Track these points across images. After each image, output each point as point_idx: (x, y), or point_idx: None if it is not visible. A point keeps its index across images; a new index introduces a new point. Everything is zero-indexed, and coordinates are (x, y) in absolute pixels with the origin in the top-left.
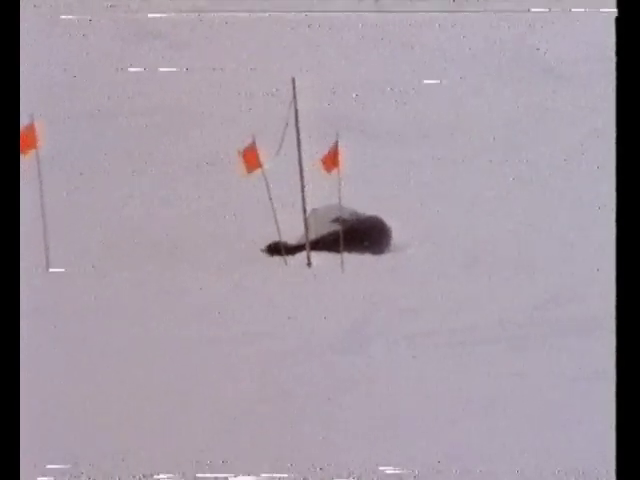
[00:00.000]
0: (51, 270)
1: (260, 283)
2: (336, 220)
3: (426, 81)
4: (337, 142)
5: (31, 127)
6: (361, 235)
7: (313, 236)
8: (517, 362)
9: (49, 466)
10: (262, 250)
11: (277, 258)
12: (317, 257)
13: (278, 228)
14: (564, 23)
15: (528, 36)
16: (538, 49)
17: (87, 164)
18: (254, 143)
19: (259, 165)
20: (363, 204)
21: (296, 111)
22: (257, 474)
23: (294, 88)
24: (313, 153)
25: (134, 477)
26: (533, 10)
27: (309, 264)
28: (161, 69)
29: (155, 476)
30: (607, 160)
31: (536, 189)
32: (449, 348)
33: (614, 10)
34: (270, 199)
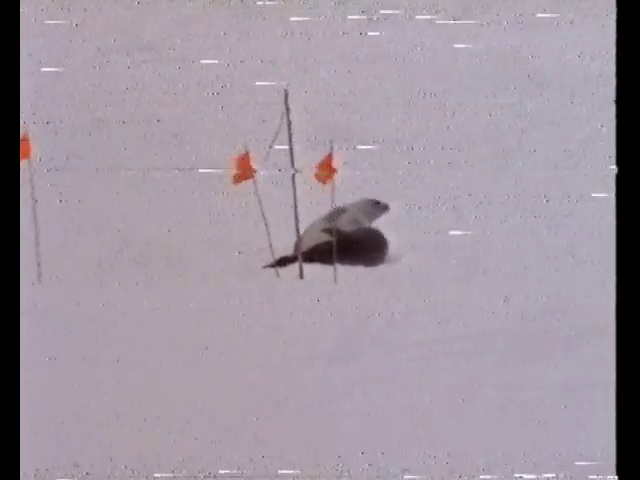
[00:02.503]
0: (43, 280)
1: (251, 295)
2: (329, 230)
3: (421, 89)
4: (331, 151)
5: (24, 137)
6: (356, 246)
7: (306, 247)
8: (514, 371)
9: (49, 467)
10: (268, 266)
11: (269, 270)
12: (310, 269)
13: (270, 239)
14: (561, 30)
15: (525, 43)
16: (535, 56)
17: (80, 174)
18: (247, 153)
19: (251, 175)
20: None
21: (289, 121)
22: None
23: (286, 98)
24: (307, 162)
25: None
26: (529, 17)
27: (301, 276)
28: (154, 79)
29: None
30: (605, 167)
31: (533, 196)
32: (444, 358)
33: (613, 17)
34: (262, 209)
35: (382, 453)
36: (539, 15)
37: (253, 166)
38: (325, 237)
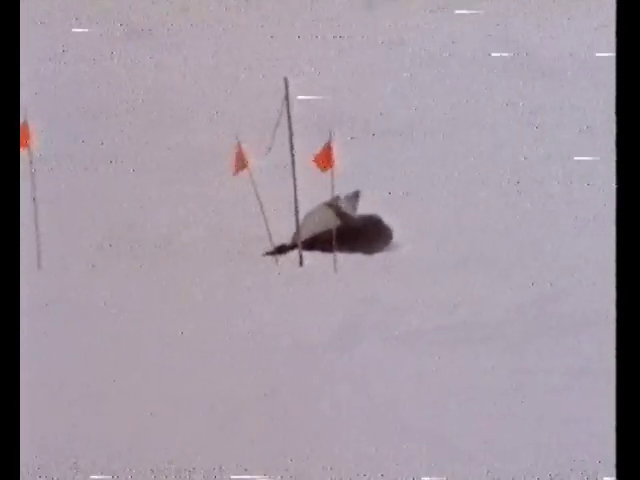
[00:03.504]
0: (42, 269)
1: (251, 283)
2: (332, 205)
3: (420, 80)
4: (331, 140)
5: (24, 126)
6: (357, 234)
7: (305, 234)
8: (513, 360)
9: (49, 466)
10: (267, 254)
11: (268, 257)
12: (310, 256)
13: (268, 227)
14: (560, 23)
15: (524, 36)
16: (533, 49)
17: (79, 163)
18: (244, 143)
19: (247, 165)
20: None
21: (288, 110)
22: (250, 473)
23: (286, 87)
24: (306, 152)
25: (132, 477)
26: (528, 10)
27: (301, 263)
28: (153, 69)
29: (154, 475)
30: (603, 159)
31: (531, 188)
32: (445, 346)
33: (612, 11)
34: (259, 198)
35: (382, 443)
36: (541, 4)
37: (248, 156)
38: (325, 220)
